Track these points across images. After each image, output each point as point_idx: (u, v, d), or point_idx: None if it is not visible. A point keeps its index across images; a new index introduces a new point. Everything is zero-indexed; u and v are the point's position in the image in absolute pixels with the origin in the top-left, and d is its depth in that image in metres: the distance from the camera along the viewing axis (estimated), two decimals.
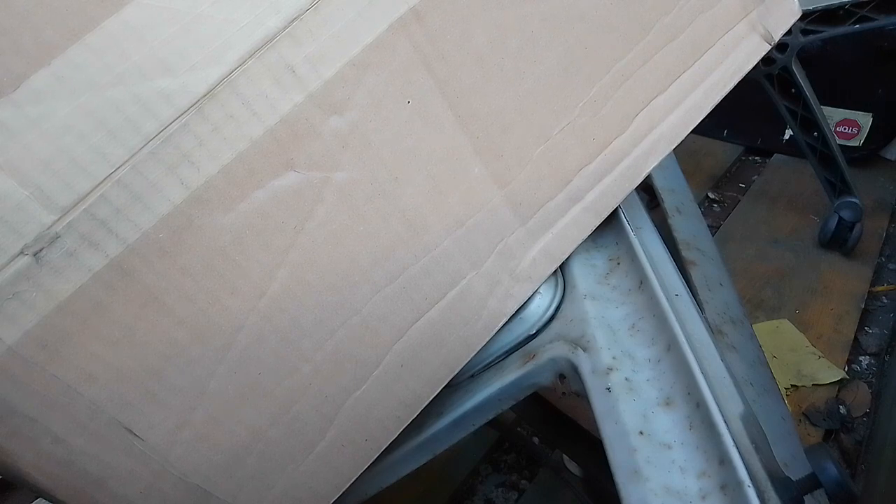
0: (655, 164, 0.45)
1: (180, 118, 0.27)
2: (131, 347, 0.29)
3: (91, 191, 0.26)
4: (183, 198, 0.28)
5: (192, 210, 0.28)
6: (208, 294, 0.30)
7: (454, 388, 0.47)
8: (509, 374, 0.44)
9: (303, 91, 0.29)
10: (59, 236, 0.26)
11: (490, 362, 0.47)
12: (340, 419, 0.36)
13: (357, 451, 0.38)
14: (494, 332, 0.42)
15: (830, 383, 1.03)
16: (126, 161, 0.26)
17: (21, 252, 0.25)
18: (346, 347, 0.36)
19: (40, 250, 0.25)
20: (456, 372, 0.41)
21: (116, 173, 0.26)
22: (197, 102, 0.27)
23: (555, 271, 0.47)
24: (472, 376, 0.47)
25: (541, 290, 0.46)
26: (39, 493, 0.29)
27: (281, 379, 0.34)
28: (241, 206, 0.29)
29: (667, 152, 0.45)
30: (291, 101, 0.29)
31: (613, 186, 0.44)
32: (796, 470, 0.36)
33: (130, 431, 0.30)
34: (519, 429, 0.94)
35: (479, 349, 0.41)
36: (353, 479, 0.38)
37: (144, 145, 0.26)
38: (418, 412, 0.40)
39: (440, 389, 0.40)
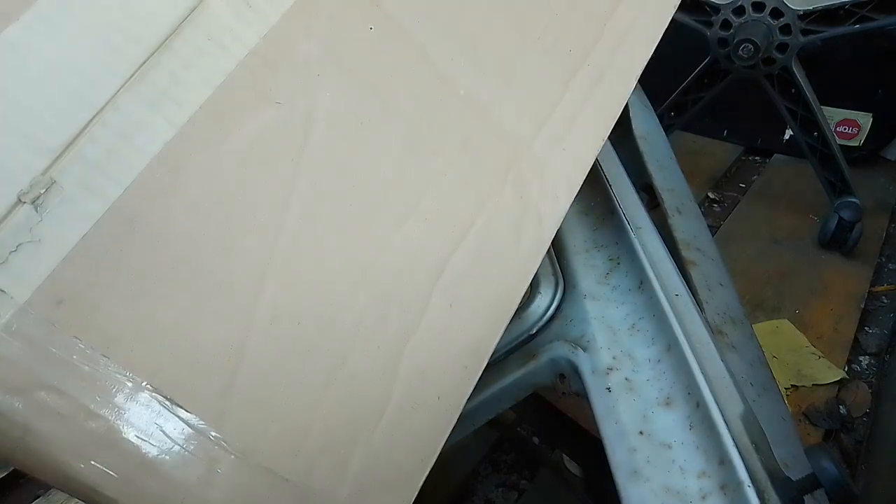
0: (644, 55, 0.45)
1: (152, 56, 0.28)
2: (150, 302, 0.27)
3: (79, 133, 0.26)
4: (171, 135, 0.28)
5: (183, 147, 0.28)
6: (221, 236, 0.29)
7: None
8: (509, 374, 0.44)
9: (265, 23, 0.30)
10: (55, 181, 0.25)
11: (490, 362, 0.47)
12: (402, 374, 0.33)
13: (433, 413, 0.34)
14: (540, 258, 0.40)
15: (830, 383, 1.03)
16: (107, 102, 0.26)
17: (18, 200, 0.25)
18: (383, 288, 0.33)
19: (38, 197, 0.25)
20: (514, 307, 0.38)
21: (100, 114, 0.26)
22: (165, 41, 0.28)
23: (554, 272, 0.47)
24: None
25: (541, 289, 0.46)
26: (83, 492, 0.26)
27: (323, 328, 0.31)
28: (231, 141, 0.29)
29: (649, 46, 0.45)
30: (256, 33, 0.30)
31: (611, 89, 0.43)
32: (796, 470, 0.36)
33: (171, 400, 0.27)
34: (519, 429, 0.94)
35: (530, 278, 0.39)
36: (439, 451, 0.34)
37: (122, 85, 0.27)
38: (487, 359, 0.37)
39: (503, 330, 0.37)
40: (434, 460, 0.34)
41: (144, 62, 0.27)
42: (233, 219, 0.29)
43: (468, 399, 0.46)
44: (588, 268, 0.47)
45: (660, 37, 0.47)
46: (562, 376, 0.43)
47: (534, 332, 0.45)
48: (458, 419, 0.46)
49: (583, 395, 0.41)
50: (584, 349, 0.42)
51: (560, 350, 0.43)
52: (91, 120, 0.26)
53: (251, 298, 0.30)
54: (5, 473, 0.85)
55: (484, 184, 0.38)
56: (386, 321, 0.33)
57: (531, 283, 0.47)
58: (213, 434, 0.28)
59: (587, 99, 0.43)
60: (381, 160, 0.34)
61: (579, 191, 0.53)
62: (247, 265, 0.30)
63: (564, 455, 0.82)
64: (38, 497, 0.76)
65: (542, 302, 0.46)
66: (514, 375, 0.44)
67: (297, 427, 0.30)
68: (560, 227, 0.50)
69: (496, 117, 0.39)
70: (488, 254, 0.37)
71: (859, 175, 1.33)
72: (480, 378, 0.47)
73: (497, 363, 0.46)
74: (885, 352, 1.11)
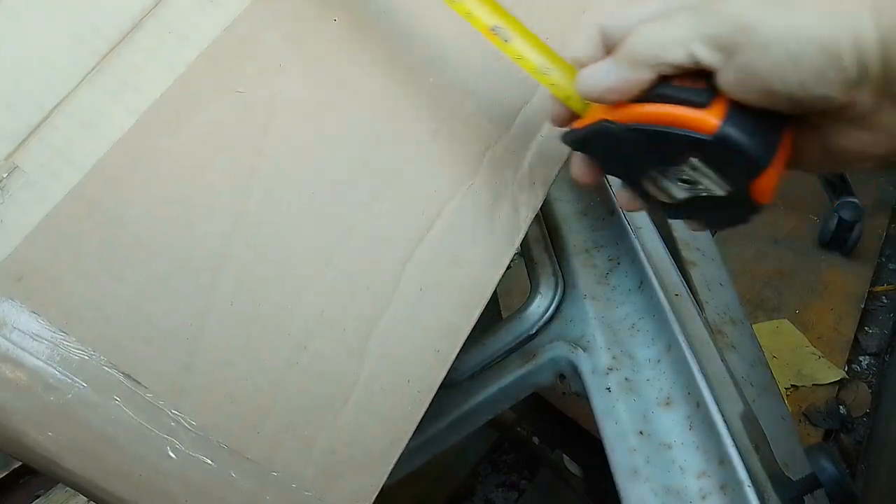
0: None
1: (115, 48, 0.29)
2: (110, 282, 0.28)
3: (42, 121, 0.27)
4: (131, 123, 0.29)
5: (143, 134, 0.29)
6: (180, 219, 0.30)
7: (454, 388, 0.47)
8: (509, 374, 0.45)
9: (226, 15, 0.32)
10: (17, 166, 0.27)
11: (490, 362, 0.47)
12: (370, 356, 0.34)
13: (403, 397, 0.34)
14: (516, 244, 0.40)
15: (830, 383, 1.03)
16: (70, 91, 0.28)
17: None
18: (349, 271, 0.34)
19: (0, 181, 0.27)
20: (489, 293, 0.38)
21: (63, 103, 0.28)
22: (128, 33, 0.30)
23: (554, 272, 0.47)
24: (472, 376, 0.47)
25: (541, 289, 0.46)
26: (41, 463, 0.27)
27: (286, 310, 0.32)
28: (192, 127, 0.31)
29: None
30: (217, 25, 0.32)
31: None
32: (796, 470, 0.36)
33: (129, 377, 0.28)
34: (519, 429, 0.94)
35: (504, 267, 0.39)
36: (410, 433, 0.34)
37: (85, 75, 0.28)
38: (461, 343, 0.37)
39: (478, 315, 0.37)
40: (405, 443, 0.34)
41: (107, 54, 0.29)
42: (192, 202, 0.30)
43: (468, 399, 0.46)
44: (588, 268, 0.47)
45: None
46: (562, 376, 0.43)
47: (534, 332, 0.45)
48: (458, 419, 0.46)
49: (583, 395, 0.41)
50: (584, 349, 0.42)
51: (560, 350, 0.43)
52: (54, 108, 0.28)
53: (210, 280, 0.30)
54: (5, 473, 0.85)
55: (455, 169, 0.38)
56: (352, 304, 0.34)
57: (531, 284, 0.48)
58: (172, 411, 0.29)
59: None
60: (346, 147, 0.35)
61: (579, 190, 0.53)
62: (206, 248, 0.30)
63: (564, 455, 0.82)
64: (38, 497, 0.76)
65: (542, 302, 0.46)
66: (514, 375, 0.44)
67: (258, 406, 0.31)
68: (560, 227, 0.51)
69: (469, 104, 0.39)
70: (460, 239, 0.37)
71: (859, 175, 1.34)
72: (480, 378, 0.47)
73: (497, 363, 0.46)
74: (885, 352, 1.11)
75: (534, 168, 0.41)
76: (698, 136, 0.27)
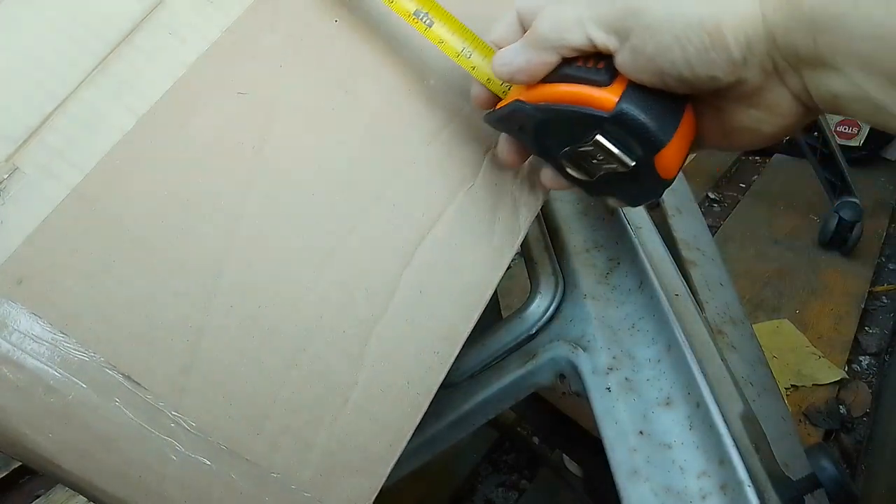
0: None
1: (114, 51, 0.29)
2: (110, 283, 0.28)
3: (42, 123, 0.28)
4: (132, 124, 0.29)
5: (143, 135, 0.30)
6: (180, 220, 0.30)
7: (454, 388, 0.47)
8: (509, 374, 0.45)
9: (227, 17, 0.32)
10: (17, 168, 0.27)
11: (490, 362, 0.47)
12: (369, 358, 0.34)
13: (402, 399, 0.34)
14: (516, 245, 0.40)
15: (830, 383, 1.03)
16: (70, 93, 0.28)
17: None
18: (349, 273, 0.34)
19: (0, 182, 0.27)
20: (489, 295, 0.38)
21: (63, 105, 0.28)
22: (127, 35, 0.30)
23: (554, 272, 0.47)
24: (472, 376, 0.47)
25: (541, 289, 0.46)
26: (41, 464, 0.27)
27: (285, 311, 0.32)
28: (192, 128, 0.31)
29: None
30: (217, 27, 0.32)
31: None
32: (796, 470, 0.36)
33: (129, 378, 0.28)
34: (519, 429, 0.94)
35: (504, 269, 0.39)
36: (409, 435, 0.34)
37: (85, 77, 0.29)
38: (460, 345, 0.37)
39: (477, 316, 0.37)
40: (404, 445, 0.34)
41: (107, 56, 0.29)
42: (192, 204, 0.30)
43: (468, 399, 0.46)
44: (588, 268, 0.47)
45: None
46: (562, 376, 0.43)
47: (534, 332, 0.46)
48: (458, 419, 0.46)
49: (583, 395, 0.41)
50: (584, 349, 0.42)
51: (560, 350, 0.43)
52: (54, 110, 0.28)
53: (210, 281, 0.30)
54: (5, 473, 0.85)
55: (456, 171, 0.38)
56: (352, 306, 0.34)
57: (531, 284, 0.48)
58: (172, 412, 0.29)
59: None
60: (346, 148, 0.35)
61: (580, 191, 0.53)
62: (206, 249, 0.30)
63: (564, 455, 0.82)
64: (38, 497, 0.76)
65: (543, 302, 0.46)
66: (514, 375, 0.44)
67: (258, 408, 0.31)
68: (560, 227, 0.51)
69: (468, 106, 0.39)
70: (460, 241, 0.37)
71: (859, 175, 1.34)
72: (480, 378, 0.47)
73: (497, 363, 0.46)
74: (885, 352, 1.11)
75: (534, 170, 0.41)
76: (599, 114, 0.29)
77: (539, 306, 0.46)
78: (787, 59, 0.27)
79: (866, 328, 1.16)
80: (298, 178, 0.33)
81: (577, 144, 0.31)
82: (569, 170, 0.33)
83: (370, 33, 0.36)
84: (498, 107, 0.34)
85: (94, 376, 0.28)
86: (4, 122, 0.27)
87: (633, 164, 0.30)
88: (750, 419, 0.37)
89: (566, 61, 0.31)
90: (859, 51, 0.24)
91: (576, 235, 0.49)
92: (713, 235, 0.64)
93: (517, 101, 0.32)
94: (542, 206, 0.53)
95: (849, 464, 0.94)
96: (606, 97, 0.29)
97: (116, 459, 0.28)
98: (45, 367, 0.27)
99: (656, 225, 0.51)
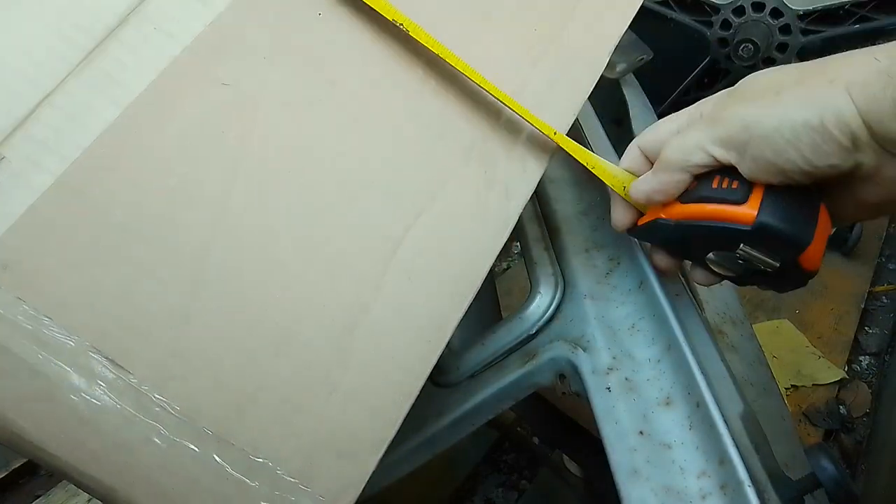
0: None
1: (100, 44, 0.30)
2: (95, 269, 0.29)
3: (28, 114, 0.28)
4: (116, 115, 0.30)
5: (128, 126, 0.30)
6: (165, 209, 0.30)
7: (454, 388, 0.47)
8: (509, 374, 0.44)
9: (211, 11, 0.33)
10: (3, 157, 0.28)
11: (490, 362, 0.47)
12: (357, 345, 0.34)
13: (392, 386, 0.34)
14: (507, 233, 0.40)
15: (830, 383, 1.03)
16: (56, 86, 0.29)
17: None
18: (336, 261, 0.34)
19: None
20: (479, 283, 0.38)
21: (49, 97, 0.29)
22: (113, 30, 0.30)
23: (554, 272, 0.47)
24: (472, 376, 0.47)
25: (541, 289, 0.46)
26: (26, 448, 0.27)
27: (271, 298, 0.32)
28: (176, 120, 0.31)
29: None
30: (202, 21, 0.32)
31: (582, 66, 0.44)
32: (796, 470, 0.36)
33: (114, 362, 0.28)
34: (519, 429, 0.94)
35: (495, 255, 0.39)
36: (399, 422, 0.34)
37: (71, 71, 0.29)
38: (450, 333, 0.37)
39: (468, 304, 0.37)
40: (393, 433, 0.34)
41: (92, 50, 0.30)
42: (177, 192, 0.31)
43: (468, 399, 0.46)
44: (588, 268, 0.47)
45: (633, 14, 0.47)
46: (562, 376, 0.43)
47: (534, 332, 0.45)
48: (459, 419, 0.46)
49: (583, 395, 0.41)
50: (584, 349, 0.42)
51: (560, 350, 0.43)
52: (40, 102, 0.29)
53: (195, 268, 0.31)
54: (5, 473, 0.85)
55: (445, 159, 0.38)
56: (339, 294, 0.34)
57: (531, 284, 0.48)
58: (157, 396, 0.29)
59: (556, 76, 0.43)
60: (333, 137, 0.35)
61: (580, 191, 0.53)
62: (191, 236, 0.31)
63: (564, 455, 0.82)
64: (38, 497, 0.76)
65: (542, 302, 0.46)
66: (514, 375, 0.44)
67: (244, 394, 0.31)
68: (560, 227, 0.51)
69: (458, 94, 0.39)
70: (450, 228, 0.38)
71: None
72: (480, 378, 0.47)
73: (497, 363, 0.46)
74: (885, 352, 1.11)
75: (525, 156, 0.41)
76: (741, 228, 0.33)
77: (539, 306, 0.46)
78: (888, 143, 0.30)
79: (866, 328, 1.16)
80: (283, 167, 0.34)
81: (722, 251, 0.35)
82: (716, 269, 0.36)
83: (356, 24, 0.37)
84: (640, 223, 0.39)
85: (79, 360, 0.28)
86: None
87: (779, 265, 0.33)
88: (750, 419, 0.37)
89: (701, 183, 0.35)
90: None
91: (576, 235, 0.49)
92: None
93: (658, 218, 0.37)
94: (543, 207, 0.53)
95: (849, 464, 0.94)
96: (746, 213, 0.32)
97: (101, 443, 0.28)
98: (30, 350, 0.27)
99: None
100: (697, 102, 0.37)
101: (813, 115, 0.30)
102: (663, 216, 0.36)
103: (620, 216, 0.40)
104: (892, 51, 0.29)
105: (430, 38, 0.37)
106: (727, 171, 0.33)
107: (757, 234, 0.32)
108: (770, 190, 0.33)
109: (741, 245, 0.33)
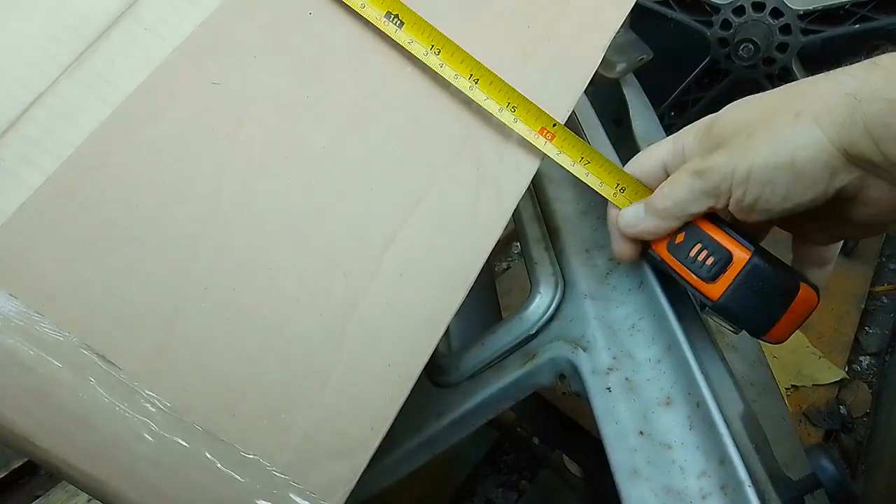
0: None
1: (91, 46, 0.31)
2: (85, 265, 0.29)
3: (21, 114, 0.29)
4: (107, 114, 0.31)
5: (119, 124, 0.31)
6: (155, 206, 0.31)
7: (454, 388, 0.47)
8: (509, 374, 0.44)
9: (201, 12, 0.33)
10: None
11: (490, 362, 0.47)
12: (348, 342, 0.34)
13: (383, 382, 0.34)
14: (500, 229, 0.40)
15: (830, 383, 1.03)
16: (48, 87, 0.30)
17: None
18: (327, 257, 0.34)
19: None
20: (472, 279, 0.38)
21: (41, 97, 0.29)
22: (104, 32, 0.31)
23: (554, 272, 0.47)
24: (472, 376, 0.47)
25: (541, 289, 0.46)
26: (16, 442, 0.27)
27: (262, 294, 0.32)
28: (166, 118, 0.32)
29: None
30: (192, 22, 0.33)
31: (575, 63, 0.44)
32: (796, 470, 0.36)
33: (103, 357, 0.29)
34: (519, 429, 0.93)
35: (487, 252, 0.39)
36: (391, 419, 0.34)
37: (63, 72, 0.30)
38: (443, 328, 0.36)
39: (461, 301, 0.37)
40: (385, 429, 0.34)
41: (84, 51, 0.31)
42: (167, 189, 0.31)
43: (468, 399, 0.46)
44: (588, 268, 0.47)
45: (628, 10, 0.47)
46: (562, 376, 0.43)
47: (534, 332, 0.45)
48: (459, 419, 0.46)
49: (583, 395, 0.41)
50: (584, 349, 0.42)
51: (560, 350, 0.43)
52: (32, 102, 0.29)
53: (185, 264, 0.31)
54: (5, 473, 0.85)
55: (436, 155, 0.38)
56: (330, 290, 0.34)
57: (531, 284, 0.48)
58: (147, 392, 0.29)
59: (549, 72, 0.43)
60: (322, 134, 0.36)
61: (580, 191, 0.53)
62: (181, 233, 0.31)
63: (564, 455, 0.82)
64: (38, 497, 0.76)
65: (542, 302, 0.46)
66: (514, 375, 0.44)
67: (233, 389, 0.31)
68: (560, 227, 0.51)
69: (448, 91, 0.39)
70: (441, 225, 0.38)
71: None
72: (480, 378, 0.47)
73: (497, 363, 0.46)
74: (885, 352, 1.11)
75: (518, 153, 0.41)
76: (705, 299, 0.36)
77: (539, 306, 0.46)
78: (865, 165, 0.29)
79: (866, 328, 1.16)
80: (273, 164, 0.34)
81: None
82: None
83: (346, 23, 0.37)
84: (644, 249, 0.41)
85: (69, 356, 0.28)
86: None
87: (740, 333, 0.36)
88: (750, 419, 0.37)
89: (685, 242, 0.36)
90: None
91: (576, 235, 0.49)
92: None
93: (650, 250, 0.39)
94: (543, 207, 0.53)
95: (849, 464, 0.94)
96: (711, 291, 0.35)
97: (91, 438, 0.28)
98: (21, 346, 0.27)
99: None
100: (679, 132, 0.37)
101: (783, 157, 0.30)
102: (653, 249, 0.39)
103: (621, 248, 0.41)
104: (856, 72, 0.29)
105: (419, 34, 0.37)
106: (708, 240, 0.35)
107: (717, 310, 0.36)
108: (743, 274, 0.35)
109: (706, 308, 0.37)
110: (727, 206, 0.34)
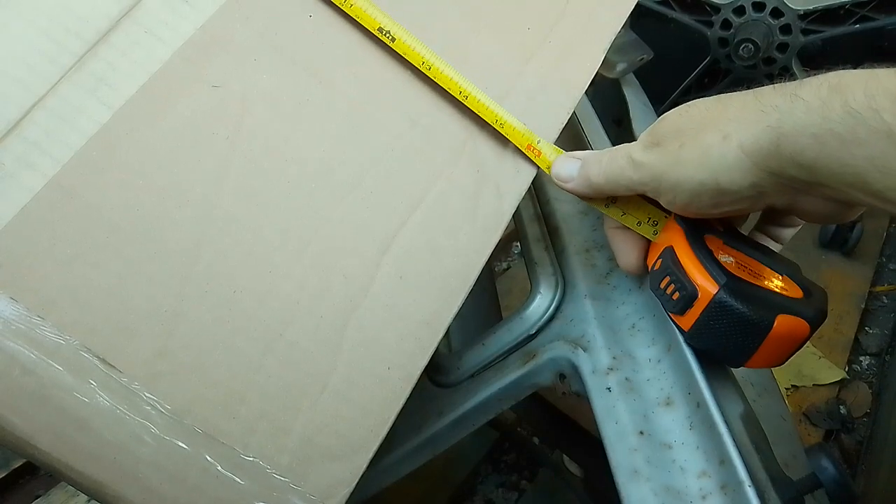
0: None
1: (91, 49, 0.31)
2: (86, 268, 0.29)
3: (21, 117, 0.29)
4: (107, 117, 0.31)
5: (119, 127, 0.31)
6: (155, 208, 0.31)
7: (454, 388, 0.47)
8: (509, 374, 0.44)
9: (201, 15, 0.33)
10: None
11: (490, 362, 0.47)
12: (347, 344, 0.34)
13: (382, 385, 0.34)
14: (500, 231, 0.39)
15: (830, 383, 1.03)
16: (49, 90, 0.30)
17: None
18: (326, 260, 0.34)
19: None
20: (472, 281, 0.38)
21: (42, 101, 0.30)
22: (104, 35, 0.31)
23: (554, 272, 0.47)
24: (472, 376, 0.47)
25: (541, 289, 0.46)
26: (17, 445, 0.27)
27: (261, 297, 0.32)
28: (166, 121, 0.32)
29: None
30: (192, 25, 0.33)
31: (575, 65, 0.44)
32: (796, 470, 0.36)
33: (104, 360, 0.29)
34: (519, 429, 0.93)
35: (487, 254, 0.39)
36: (391, 421, 0.34)
37: (63, 75, 0.30)
38: (443, 331, 0.36)
39: (460, 303, 0.37)
40: (385, 432, 0.34)
41: (84, 54, 0.31)
42: (167, 192, 0.31)
43: (468, 399, 0.46)
44: (588, 268, 0.47)
45: (628, 11, 0.47)
46: (562, 376, 0.43)
47: (534, 332, 0.45)
48: (459, 419, 0.46)
49: (583, 395, 0.41)
50: (584, 349, 0.42)
51: (560, 350, 0.43)
52: (33, 105, 0.29)
53: (185, 267, 0.31)
54: (5, 473, 0.85)
55: (435, 158, 0.38)
56: (329, 292, 0.34)
57: (531, 284, 0.48)
58: (147, 395, 0.29)
59: (549, 73, 0.43)
60: (322, 137, 0.36)
61: None
62: (181, 236, 0.31)
63: (564, 455, 0.82)
64: (38, 497, 0.76)
65: (543, 302, 0.46)
66: (514, 375, 0.44)
67: (233, 392, 0.31)
68: (560, 227, 0.51)
69: (449, 94, 0.39)
70: (441, 227, 0.38)
71: None
72: (480, 378, 0.47)
73: (497, 363, 0.46)
74: (885, 352, 1.11)
75: (518, 155, 0.41)
76: (678, 329, 0.37)
77: (539, 306, 0.46)
78: (795, 185, 0.29)
79: (866, 328, 1.16)
80: (273, 167, 0.34)
81: None
82: None
83: (344, 26, 0.37)
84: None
85: (70, 359, 0.28)
86: None
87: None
88: (750, 419, 0.37)
89: (658, 272, 0.36)
90: (845, 180, 0.27)
91: (576, 235, 0.49)
92: None
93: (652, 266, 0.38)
94: (543, 207, 0.53)
95: (849, 464, 0.94)
96: (681, 322, 0.35)
97: (91, 441, 0.28)
98: (22, 349, 0.27)
99: None
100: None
101: (708, 177, 0.31)
102: (649, 261, 0.39)
103: (626, 258, 0.40)
104: (779, 102, 0.28)
105: (411, 50, 0.38)
106: (677, 273, 0.34)
107: (689, 339, 0.36)
108: (708, 310, 0.33)
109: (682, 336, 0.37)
110: (656, 200, 0.35)
